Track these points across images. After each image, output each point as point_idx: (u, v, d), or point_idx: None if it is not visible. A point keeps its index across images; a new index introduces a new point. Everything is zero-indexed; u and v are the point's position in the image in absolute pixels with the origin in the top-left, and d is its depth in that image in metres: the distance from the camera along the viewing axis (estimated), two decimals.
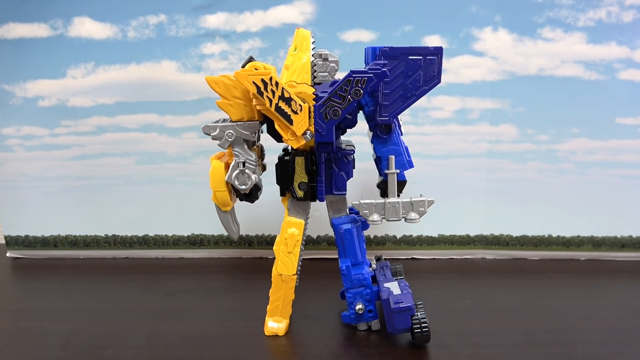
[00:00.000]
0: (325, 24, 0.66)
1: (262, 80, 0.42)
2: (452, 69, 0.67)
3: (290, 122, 0.43)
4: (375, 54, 0.45)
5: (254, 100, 0.44)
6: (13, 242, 0.78)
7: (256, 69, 0.43)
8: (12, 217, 0.77)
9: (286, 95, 0.43)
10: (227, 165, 0.47)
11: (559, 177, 0.72)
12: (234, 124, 0.45)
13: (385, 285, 0.50)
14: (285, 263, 0.50)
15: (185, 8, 0.66)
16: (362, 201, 0.47)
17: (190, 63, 0.68)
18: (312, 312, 0.57)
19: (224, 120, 0.47)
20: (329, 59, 0.45)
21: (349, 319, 0.53)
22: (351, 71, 0.43)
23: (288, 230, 0.49)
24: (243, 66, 0.44)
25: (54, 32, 0.68)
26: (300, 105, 0.43)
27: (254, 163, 0.46)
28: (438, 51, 0.44)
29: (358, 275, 0.50)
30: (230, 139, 0.45)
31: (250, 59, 0.44)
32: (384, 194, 0.48)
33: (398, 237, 0.75)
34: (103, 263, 0.76)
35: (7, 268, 0.76)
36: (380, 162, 0.48)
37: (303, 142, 0.44)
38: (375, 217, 0.47)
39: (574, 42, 0.66)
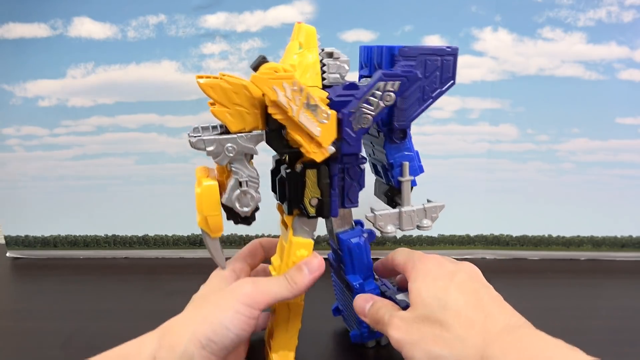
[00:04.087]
0: (325, 24, 0.66)
1: (284, 84, 0.35)
2: None
3: (316, 132, 0.37)
4: (391, 53, 0.41)
5: (271, 108, 0.36)
6: (13, 242, 0.78)
7: (276, 72, 0.36)
8: (12, 217, 0.77)
9: (312, 102, 0.36)
10: (220, 184, 0.40)
11: (559, 177, 0.72)
12: (235, 135, 0.38)
13: (399, 297, 0.46)
14: None
15: (185, 8, 0.66)
16: (377, 213, 0.43)
17: (190, 63, 0.68)
18: (316, 327, 0.53)
19: (214, 129, 0.39)
20: (340, 58, 0.40)
21: (361, 337, 0.49)
22: (383, 73, 0.39)
23: (297, 252, 0.42)
24: (255, 68, 0.36)
25: (54, 32, 0.68)
26: (327, 113, 0.37)
27: (256, 180, 0.39)
28: (455, 52, 0.41)
29: (371, 291, 0.46)
30: (230, 154, 0.38)
31: (263, 60, 0.37)
32: (391, 202, 0.45)
33: (398, 237, 0.75)
34: (103, 263, 0.76)
35: (7, 268, 0.76)
36: (392, 169, 0.44)
37: (327, 154, 0.38)
38: (390, 228, 0.43)
39: (574, 42, 0.66)
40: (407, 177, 0.44)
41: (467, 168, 0.72)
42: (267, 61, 0.37)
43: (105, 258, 0.77)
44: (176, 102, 0.70)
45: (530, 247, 0.75)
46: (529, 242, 0.75)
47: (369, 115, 0.39)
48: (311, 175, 0.40)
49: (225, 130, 0.38)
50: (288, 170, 0.40)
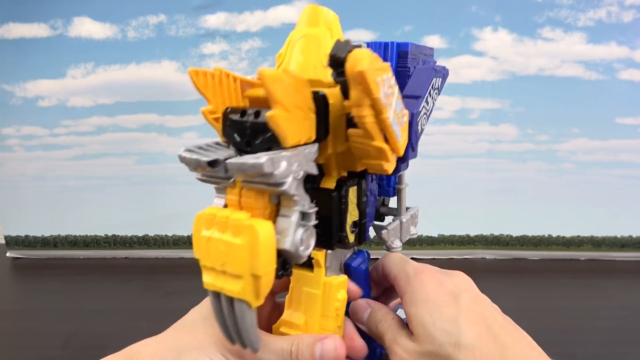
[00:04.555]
0: None
1: (384, 77, 0.26)
2: (452, 69, 0.67)
3: (399, 136, 0.29)
4: (399, 50, 0.37)
5: (358, 109, 0.26)
6: (13, 242, 0.78)
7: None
8: (12, 217, 0.77)
9: (398, 99, 0.28)
10: None
11: (559, 177, 0.72)
12: (298, 151, 0.27)
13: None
14: None
15: (185, 8, 0.66)
16: (389, 228, 0.39)
17: (190, 63, 0.68)
18: None
19: (217, 146, 0.29)
20: None
21: None
22: (434, 69, 0.35)
23: (338, 296, 0.33)
24: (344, 56, 0.25)
25: (54, 32, 0.68)
26: (406, 112, 0.30)
27: (314, 210, 0.29)
28: (432, 52, 0.39)
29: None
30: (298, 177, 0.27)
31: (350, 46, 0.26)
32: (379, 215, 0.41)
33: None
34: (103, 263, 0.76)
35: (7, 268, 0.76)
36: (389, 177, 0.40)
37: (395, 164, 0.31)
38: (397, 243, 0.39)
39: (574, 42, 0.66)
40: (404, 184, 0.40)
41: (467, 168, 0.72)
42: (355, 46, 0.26)
43: (105, 258, 0.77)
44: (176, 102, 0.70)
45: (530, 247, 0.75)
46: (529, 242, 0.75)
47: (426, 115, 0.34)
48: (351, 194, 0.32)
49: (272, 146, 0.26)
50: (334, 193, 0.31)
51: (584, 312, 0.58)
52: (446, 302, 0.33)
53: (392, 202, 0.42)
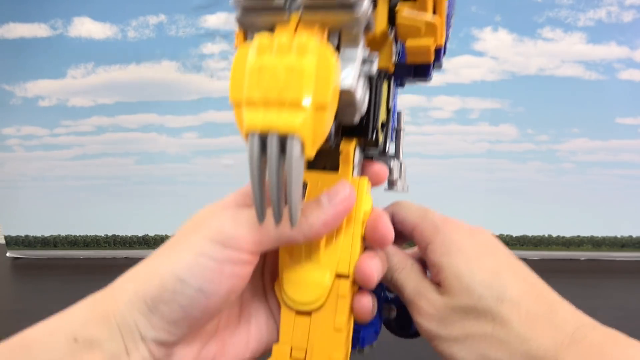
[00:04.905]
0: None
1: None
2: (452, 69, 0.67)
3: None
4: None
5: None
6: (13, 242, 0.78)
7: None
8: (12, 217, 0.77)
9: None
10: None
11: (559, 177, 0.72)
12: None
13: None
14: (354, 251, 0.27)
15: (185, 8, 0.66)
16: (393, 162, 0.35)
17: (190, 63, 0.68)
18: None
19: None
20: None
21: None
22: None
23: (367, 199, 0.28)
24: None
25: (54, 32, 0.68)
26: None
27: (377, 58, 0.25)
28: None
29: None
30: (367, 16, 0.23)
31: None
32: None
33: None
34: (103, 263, 0.76)
35: (7, 268, 0.76)
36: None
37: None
38: (400, 183, 0.35)
39: (574, 42, 0.66)
40: (403, 126, 0.37)
41: (467, 168, 0.72)
42: None
43: (105, 258, 0.77)
44: (176, 102, 0.70)
45: (530, 247, 0.75)
46: (529, 242, 0.75)
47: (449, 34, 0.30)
48: (385, 89, 0.28)
49: None
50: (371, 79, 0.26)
51: (584, 312, 0.58)
52: (484, 252, 0.29)
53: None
